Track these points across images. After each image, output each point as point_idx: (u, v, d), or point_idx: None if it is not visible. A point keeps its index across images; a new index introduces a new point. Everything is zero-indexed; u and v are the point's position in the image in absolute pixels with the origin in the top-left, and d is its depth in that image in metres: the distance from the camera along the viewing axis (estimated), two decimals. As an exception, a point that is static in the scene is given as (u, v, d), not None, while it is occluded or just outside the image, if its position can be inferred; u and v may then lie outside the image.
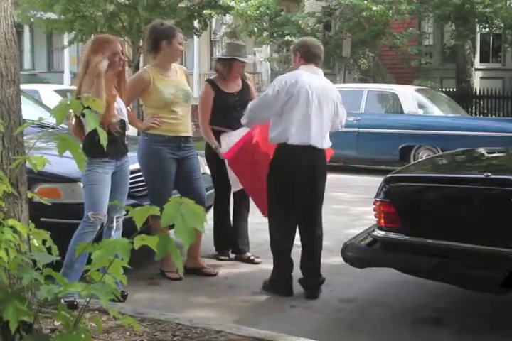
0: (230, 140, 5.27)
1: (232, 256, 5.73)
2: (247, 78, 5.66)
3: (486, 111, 18.22)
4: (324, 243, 6.27)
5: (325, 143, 4.68)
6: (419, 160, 9.26)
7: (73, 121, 4.33)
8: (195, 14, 19.22)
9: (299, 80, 4.57)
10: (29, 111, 4.80)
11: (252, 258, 5.57)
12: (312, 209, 4.72)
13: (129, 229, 2.35)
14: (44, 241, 2.59)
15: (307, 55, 4.71)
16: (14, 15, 2.98)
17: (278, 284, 4.68)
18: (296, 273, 4.77)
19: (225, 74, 5.48)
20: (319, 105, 4.60)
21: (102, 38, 4.54)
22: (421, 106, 11.68)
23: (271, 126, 4.66)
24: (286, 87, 4.53)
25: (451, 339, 4.00)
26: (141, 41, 18.30)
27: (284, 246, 4.69)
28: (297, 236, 4.80)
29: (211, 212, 5.67)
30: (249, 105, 4.73)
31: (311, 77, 4.63)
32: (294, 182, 4.58)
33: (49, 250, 2.55)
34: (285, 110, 4.54)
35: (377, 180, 4.62)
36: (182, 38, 5.08)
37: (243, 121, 4.79)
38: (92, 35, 18.60)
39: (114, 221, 4.51)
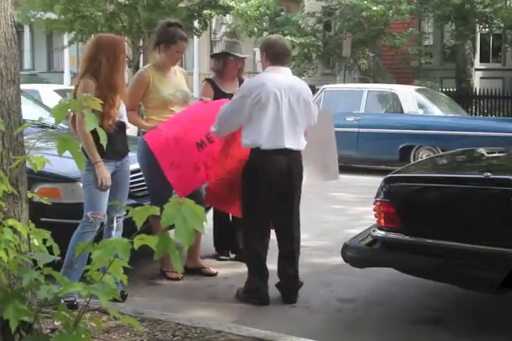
0: None
1: (232, 256, 5.73)
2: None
3: (486, 111, 18.23)
4: (324, 243, 6.31)
5: (300, 144, 4.57)
6: (419, 160, 9.26)
7: (70, 116, 4.34)
8: (195, 14, 19.24)
9: (266, 83, 4.45)
10: (29, 111, 4.80)
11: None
12: (290, 213, 4.63)
13: (129, 229, 2.34)
14: (45, 241, 2.58)
15: (273, 56, 4.59)
16: (14, 15, 2.98)
17: (255, 294, 4.53)
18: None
19: (220, 71, 5.49)
20: (290, 106, 4.49)
21: (108, 38, 4.52)
22: (421, 106, 11.68)
23: (242, 132, 4.53)
24: (254, 90, 4.41)
25: (451, 339, 4.00)
26: (141, 41, 18.32)
27: (261, 253, 4.58)
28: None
29: (211, 211, 5.67)
30: (220, 112, 4.55)
31: (278, 78, 4.52)
32: (271, 188, 4.46)
33: (50, 249, 2.55)
34: (255, 115, 4.42)
35: (377, 180, 4.62)
36: (184, 46, 5.03)
37: (213, 129, 4.59)
38: (92, 35, 18.62)
39: (115, 221, 4.51)
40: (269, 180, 4.45)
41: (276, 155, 4.44)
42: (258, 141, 4.43)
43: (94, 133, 2.31)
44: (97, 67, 4.37)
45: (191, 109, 5.02)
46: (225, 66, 5.47)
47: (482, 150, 5.66)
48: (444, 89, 17.52)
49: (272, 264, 4.66)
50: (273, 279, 4.63)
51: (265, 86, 4.43)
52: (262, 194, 4.48)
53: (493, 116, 17.25)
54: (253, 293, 4.55)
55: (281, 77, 4.56)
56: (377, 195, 4.24)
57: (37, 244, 2.60)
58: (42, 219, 3.89)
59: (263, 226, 4.59)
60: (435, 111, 11.78)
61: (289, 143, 4.48)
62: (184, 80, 5.19)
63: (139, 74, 5.07)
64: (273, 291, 4.62)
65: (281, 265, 4.66)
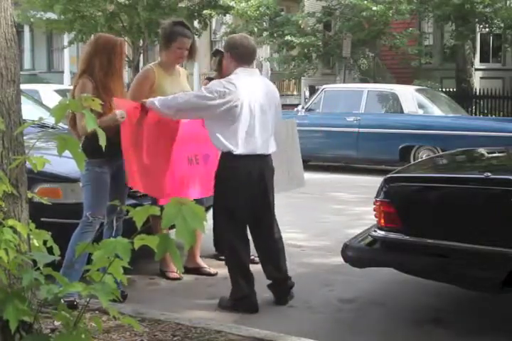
0: None
1: (232, 256, 5.72)
2: None
3: (486, 111, 18.25)
4: (324, 243, 6.31)
5: (270, 147, 4.50)
6: (419, 160, 9.26)
7: (69, 116, 4.33)
8: (195, 14, 19.27)
9: (238, 86, 4.27)
10: (29, 111, 4.79)
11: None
12: (267, 216, 4.57)
13: (129, 229, 2.34)
14: (45, 241, 2.58)
15: (239, 57, 4.41)
16: (14, 15, 2.98)
17: (245, 302, 4.40)
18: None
19: (218, 70, 5.51)
20: (262, 111, 4.38)
21: (106, 40, 4.50)
22: (421, 106, 11.68)
23: (211, 133, 4.40)
24: (227, 94, 4.22)
25: (451, 339, 4.00)
26: (141, 41, 18.34)
27: (245, 259, 4.51)
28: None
29: (211, 211, 5.66)
30: (181, 100, 4.33)
31: (250, 81, 4.38)
32: (244, 192, 4.37)
33: (50, 250, 2.55)
34: (227, 121, 4.28)
35: (377, 180, 4.61)
36: (185, 42, 4.98)
37: (166, 111, 4.39)
38: (92, 36, 18.62)
39: (114, 221, 4.51)
40: (243, 184, 4.36)
41: (249, 160, 4.35)
42: (230, 146, 4.30)
43: (94, 133, 2.31)
44: (93, 68, 4.37)
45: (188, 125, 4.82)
46: (220, 64, 5.49)
47: (482, 150, 5.66)
48: (444, 89, 17.53)
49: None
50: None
51: (239, 92, 4.27)
52: (235, 197, 4.38)
53: (493, 116, 17.26)
54: (241, 301, 4.41)
55: (253, 81, 4.43)
56: (377, 195, 4.24)
57: (37, 244, 2.60)
58: (42, 219, 3.88)
59: (241, 231, 4.50)
60: (435, 111, 11.78)
61: (261, 149, 4.41)
62: (186, 81, 5.20)
63: (145, 71, 5.04)
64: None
65: (268, 269, 4.60)
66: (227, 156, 4.36)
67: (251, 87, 4.37)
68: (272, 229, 4.61)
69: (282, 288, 4.60)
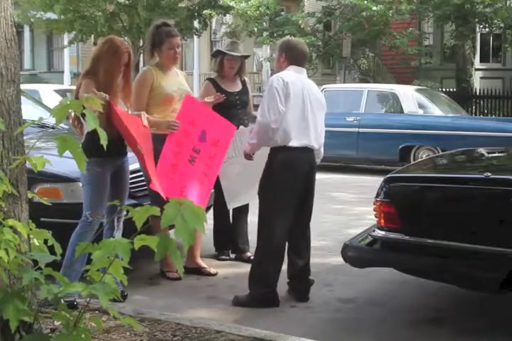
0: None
1: (232, 256, 5.73)
2: (246, 83, 5.70)
3: (486, 111, 18.25)
4: (324, 243, 6.31)
5: (318, 143, 4.61)
6: (419, 160, 9.26)
7: (71, 116, 4.34)
8: (195, 14, 19.28)
9: (293, 81, 4.47)
10: (29, 111, 4.79)
11: (252, 257, 5.56)
12: (308, 211, 4.69)
13: (129, 229, 2.35)
14: (46, 241, 2.58)
15: (294, 58, 4.62)
16: (14, 15, 2.98)
17: (268, 296, 4.43)
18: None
19: (218, 70, 5.51)
20: (311, 106, 4.53)
21: (111, 44, 4.47)
22: (421, 106, 11.69)
23: None
24: (284, 86, 4.40)
25: (451, 339, 4.00)
26: (141, 41, 18.35)
27: (282, 253, 4.53)
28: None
29: (211, 211, 5.67)
30: (267, 114, 4.36)
31: (301, 78, 4.58)
32: (295, 184, 4.48)
33: (52, 249, 2.55)
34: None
35: (377, 180, 4.62)
36: (174, 42, 4.96)
37: (268, 135, 4.40)
38: (92, 36, 18.66)
39: (115, 221, 4.50)
40: (295, 176, 4.47)
41: (300, 153, 4.47)
42: (286, 138, 4.41)
43: (94, 132, 2.31)
44: (97, 70, 4.38)
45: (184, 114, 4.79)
46: (221, 65, 5.49)
47: (482, 150, 5.66)
48: (444, 89, 17.53)
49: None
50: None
51: (294, 84, 4.46)
52: (288, 192, 4.46)
53: (493, 116, 17.26)
54: (268, 297, 4.43)
55: (302, 77, 4.61)
56: (377, 195, 4.24)
57: (37, 244, 2.60)
58: (42, 219, 3.88)
59: (286, 226, 4.52)
60: (435, 111, 11.78)
61: (312, 142, 4.52)
62: (185, 81, 5.20)
63: (143, 73, 5.03)
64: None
65: (295, 263, 4.66)
66: (280, 149, 4.45)
67: (303, 84, 4.54)
68: (307, 225, 4.73)
69: (305, 283, 4.66)
